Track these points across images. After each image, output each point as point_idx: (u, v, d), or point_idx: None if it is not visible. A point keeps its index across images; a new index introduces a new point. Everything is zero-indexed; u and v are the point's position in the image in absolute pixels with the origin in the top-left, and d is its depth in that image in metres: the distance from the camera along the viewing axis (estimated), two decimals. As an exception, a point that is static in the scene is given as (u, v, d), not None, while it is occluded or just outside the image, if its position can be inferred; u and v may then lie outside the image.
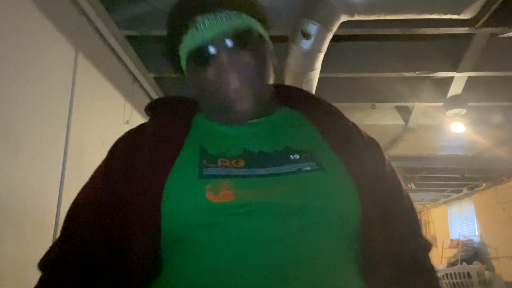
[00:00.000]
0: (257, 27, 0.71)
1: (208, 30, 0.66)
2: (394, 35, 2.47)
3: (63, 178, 1.64)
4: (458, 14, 1.81)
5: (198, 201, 0.56)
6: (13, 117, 1.38)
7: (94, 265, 0.60)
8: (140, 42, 2.30)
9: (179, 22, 0.70)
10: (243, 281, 0.52)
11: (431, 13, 1.81)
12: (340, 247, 0.57)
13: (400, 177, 0.73)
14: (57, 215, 1.61)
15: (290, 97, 0.77)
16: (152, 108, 0.75)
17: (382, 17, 1.83)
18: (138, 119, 2.59)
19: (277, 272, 0.52)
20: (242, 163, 0.61)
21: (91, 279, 0.60)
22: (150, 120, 0.74)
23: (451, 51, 2.54)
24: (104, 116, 2.11)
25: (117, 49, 2.18)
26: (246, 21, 0.69)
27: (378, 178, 0.66)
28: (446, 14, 1.81)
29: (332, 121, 0.72)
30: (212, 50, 0.66)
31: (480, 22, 1.98)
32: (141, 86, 2.63)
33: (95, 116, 2.00)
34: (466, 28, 2.08)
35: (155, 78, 2.65)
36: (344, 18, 1.86)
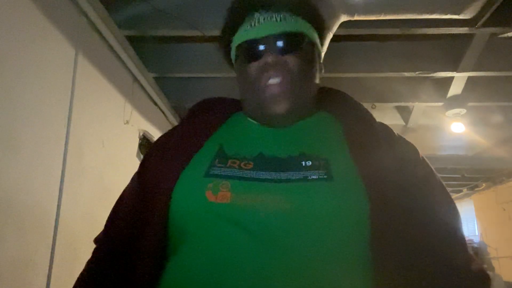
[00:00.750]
0: (310, 32, 0.71)
1: (262, 28, 0.68)
2: (394, 35, 2.47)
3: (63, 178, 1.64)
4: (458, 14, 1.81)
5: (198, 197, 0.58)
6: (13, 117, 1.38)
7: (127, 245, 0.64)
8: (140, 42, 2.30)
9: (237, 14, 0.72)
10: None
11: (431, 13, 1.81)
12: (332, 256, 0.54)
13: (439, 183, 0.67)
14: (57, 215, 1.61)
15: (329, 100, 0.77)
16: (194, 109, 0.79)
17: (382, 17, 1.83)
18: (138, 119, 2.59)
19: (259, 281, 0.51)
20: (250, 165, 0.62)
21: (125, 256, 0.63)
22: (187, 118, 0.77)
23: (451, 51, 2.54)
24: (104, 116, 2.11)
25: (117, 49, 2.18)
26: (300, 25, 0.70)
27: (402, 185, 0.61)
28: (446, 14, 1.81)
29: (360, 125, 0.70)
30: (261, 47, 0.67)
31: (480, 22, 1.98)
32: (141, 86, 2.63)
33: (95, 116, 1.99)
34: (466, 28, 2.08)
35: (155, 78, 2.65)
36: (344, 18, 1.86)
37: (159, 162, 0.68)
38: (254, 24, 0.68)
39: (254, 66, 0.68)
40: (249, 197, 0.57)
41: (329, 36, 1.94)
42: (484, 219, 8.03)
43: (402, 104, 3.30)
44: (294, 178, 0.59)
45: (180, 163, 0.64)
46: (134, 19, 2.04)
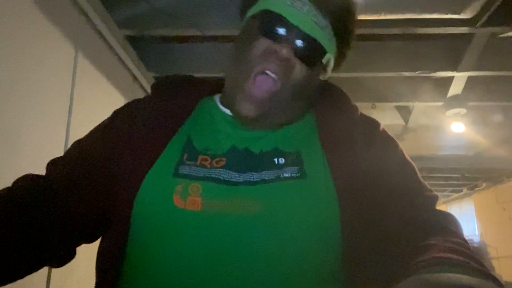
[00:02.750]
0: (333, 55, 0.65)
1: (301, 15, 0.59)
2: (394, 34, 2.47)
3: (63, 178, 1.64)
4: (458, 13, 1.81)
5: (165, 204, 0.53)
6: (13, 117, 1.38)
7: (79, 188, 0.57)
8: (140, 42, 2.30)
9: None
10: None
11: (431, 13, 1.81)
12: (313, 263, 0.52)
13: (415, 176, 0.62)
14: (57, 215, 1.61)
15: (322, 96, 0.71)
16: (158, 87, 0.70)
17: (382, 17, 1.83)
18: (138, 119, 2.58)
19: None
20: (222, 163, 0.57)
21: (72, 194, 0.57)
22: (154, 97, 0.68)
23: (451, 50, 2.54)
24: (104, 115, 2.09)
25: (117, 49, 2.17)
26: (331, 44, 0.63)
27: (373, 186, 0.57)
28: (446, 13, 1.81)
29: (337, 116, 0.65)
30: (285, 34, 0.58)
31: (480, 22, 1.98)
32: (141, 86, 2.63)
33: (95, 116, 1.99)
34: (466, 28, 2.07)
35: (155, 77, 2.64)
36: (344, 17, 1.86)
37: (128, 147, 0.60)
38: (296, 6, 0.59)
39: (263, 42, 0.59)
40: (220, 203, 0.53)
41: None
42: (484, 219, 8.03)
43: (402, 104, 3.30)
44: (267, 178, 0.55)
45: (148, 156, 0.58)
46: (134, 18, 2.04)
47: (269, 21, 0.60)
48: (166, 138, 0.60)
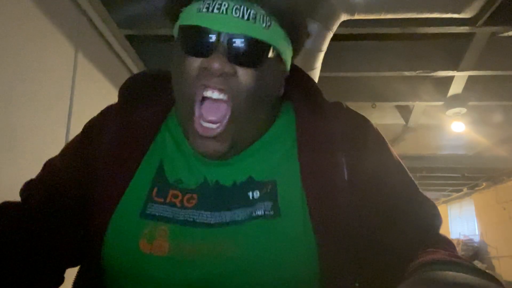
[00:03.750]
0: (282, 44, 0.54)
1: (220, 19, 0.50)
2: (394, 34, 2.47)
3: (63, 178, 1.64)
4: (459, 13, 1.80)
5: (131, 248, 0.50)
6: (13, 116, 1.38)
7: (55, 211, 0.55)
8: (140, 42, 2.30)
9: None
10: None
11: (431, 12, 1.81)
12: None
13: (406, 176, 0.58)
14: (57, 215, 1.61)
15: (291, 84, 0.63)
16: (124, 93, 0.63)
17: (382, 16, 1.83)
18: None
19: None
20: (193, 202, 0.52)
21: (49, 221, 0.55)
22: (121, 106, 0.62)
23: (452, 50, 2.54)
24: (104, 115, 2.10)
25: (117, 48, 2.17)
26: (272, 33, 0.52)
27: (355, 217, 0.53)
28: (447, 13, 1.81)
29: (317, 126, 0.58)
30: (209, 43, 0.50)
31: (481, 21, 1.98)
32: (141, 86, 2.63)
33: (95, 115, 1.99)
34: (467, 27, 2.07)
35: (155, 77, 2.65)
36: (344, 17, 1.86)
37: (96, 168, 0.56)
38: (212, 9, 0.50)
39: (194, 62, 0.51)
40: (188, 248, 0.49)
41: (329, 35, 1.94)
42: (484, 218, 8.03)
43: (403, 103, 3.30)
44: (239, 219, 0.51)
45: (116, 187, 0.54)
46: (134, 18, 2.04)
47: (188, 37, 0.52)
48: (135, 163, 0.56)
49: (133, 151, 0.57)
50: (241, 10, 0.50)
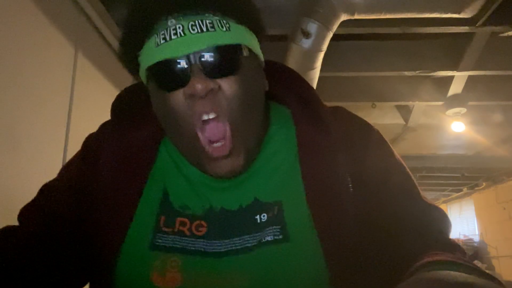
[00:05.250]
0: (248, 39, 0.53)
1: (181, 42, 0.47)
2: (394, 34, 2.47)
3: (63, 178, 1.64)
4: (459, 13, 1.80)
5: (143, 282, 0.49)
6: (12, 116, 1.38)
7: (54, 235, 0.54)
8: (140, 42, 2.30)
9: (141, 21, 0.51)
10: None
11: (431, 12, 1.81)
12: None
13: (409, 180, 0.57)
14: (57, 215, 1.61)
15: (285, 87, 0.62)
16: (117, 111, 0.61)
17: (382, 16, 1.83)
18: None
19: None
20: (203, 230, 0.52)
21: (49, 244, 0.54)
22: (116, 125, 0.60)
23: (452, 50, 2.54)
24: (103, 115, 2.09)
25: (117, 48, 2.17)
26: (236, 33, 0.50)
27: (364, 229, 0.52)
28: (447, 13, 1.81)
29: (318, 139, 0.56)
30: (183, 70, 0.48)
31: (481, 21, 1.98)
32: (141, 86, 2.63)
33: (95, 115, 1.99)
34: (467, 27, 2.07)
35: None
36: (344, 17, 1.86)
37: (97, 198, 0.55)
38: (169, 37, 0.48)
39: (176, 96, 0.49)
40: (202, 279, 0.49)
41: (329, 35, 1.94)
42: (484, 218, 8.03)
43: (402, 103, 3.30)
44: (249, 245, 0.51)
45: (122, 218, 0.53)
46: (134, 18, 2.04)
47: (160, 74, 0.50)
48: (138, 189, 0.55)
49: (134, 176, 0.55)
50: (197, 25, 0.48)
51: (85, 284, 0.59)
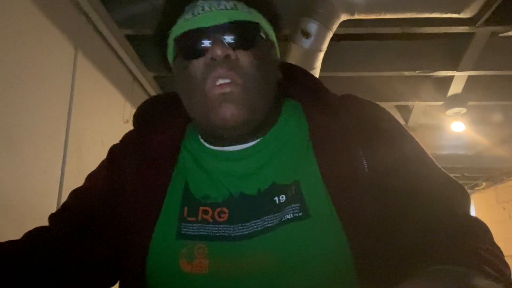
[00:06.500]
0: (266, 26, 0.60)
1: (207, 16, 0.55)
2: (394, 34, 2.47)
3: (62, 177, 1.64)
4: (459, 13, 1.80)
5: (172, 268, 0.53)
6: (12, 116, 1.38)
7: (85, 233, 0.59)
8: (140, 41, 2.29)
9: (175, 2, 0.59)
10: None
11: (431, 12, 1.81)
12: None
13: (423, 152, 0.59)
14: (57, 215, 1.61)
15: (295, 84, 0.66)
16: (139, 119, 0.67)
17: (382, 16, 1.83)
18: (138, 118, 2.58)
19: None
20: (225, 216, 0.55)
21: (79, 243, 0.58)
22: (139, 132, 0.66)
23: (451, 50, 2.53)
24: (103, 115, 2.10)
25: (117, 48, 2.17)
26: (255, 16, 0.58)
27: (383, 193, 0.54)
28: (446, 13, 1.81)
29: (330, 126, 0.59)
30: (206, 39, 0.54)
31: (481, 21, 1.98)
32: (141, 85, 2.62)
33: (95, 115, 1.99)
34: (467, 27, 2.07)
35: (155, 77, 2.64)
36: (344, 17, 1.86)
37: (125, 196, 0.60)
38: (198, 13, 0.55)
39: (197, 63, 0.55)
40: (228, 263, 0.51)
41: (329, 35, 1.94)
42: (484, 218, 7.95)
43: (402, 103, 3.29)
44: (270, 225, 0.53)
45: (150, 213, 0.57)
46: (133, 18, 2.04)
47: (186, 43, 0.56)
48: (163, 188, 0.59)
49: (159, 175, 0.60)
50: (222, 4, 0.55)
51: (115, 283, 0.61)
